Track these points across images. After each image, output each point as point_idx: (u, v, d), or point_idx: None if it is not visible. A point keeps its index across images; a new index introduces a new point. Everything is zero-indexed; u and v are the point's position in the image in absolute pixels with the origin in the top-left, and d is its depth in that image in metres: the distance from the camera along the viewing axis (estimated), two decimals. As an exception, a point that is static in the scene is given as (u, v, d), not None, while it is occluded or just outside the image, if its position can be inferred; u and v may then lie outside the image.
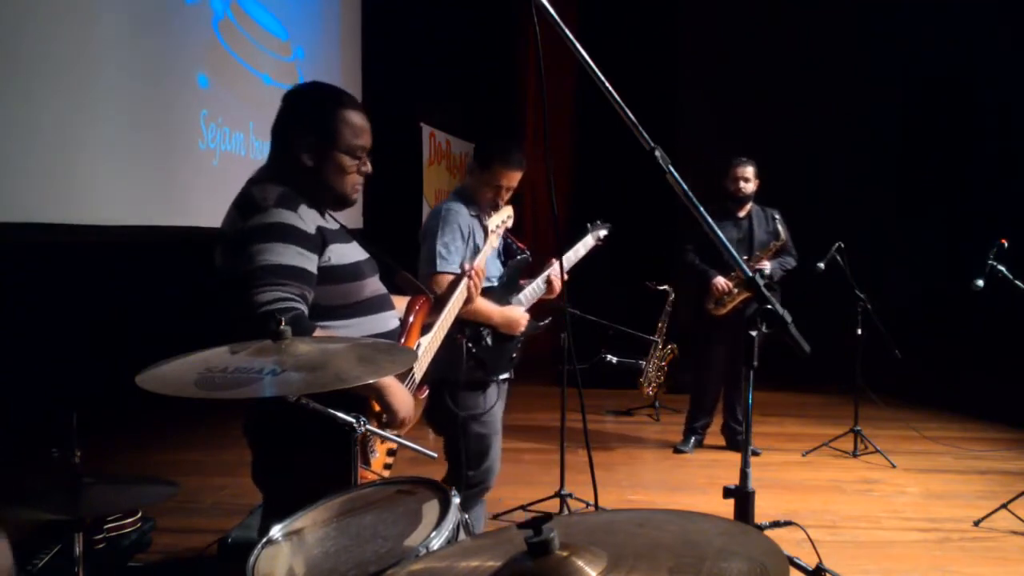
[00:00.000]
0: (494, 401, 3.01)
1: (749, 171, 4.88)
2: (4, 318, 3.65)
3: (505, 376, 3.07)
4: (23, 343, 3.82)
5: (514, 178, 2.98)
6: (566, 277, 3.11)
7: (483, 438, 2.96)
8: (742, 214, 4.94)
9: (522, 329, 3.00)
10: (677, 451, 5.15)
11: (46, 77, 3.66)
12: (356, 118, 2.03)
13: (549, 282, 3.11)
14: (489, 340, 2.92)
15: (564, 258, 3.17)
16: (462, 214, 2.94)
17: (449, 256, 2.85)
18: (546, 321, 3.25)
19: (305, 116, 2.02)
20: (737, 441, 5.06)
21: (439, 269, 2.81)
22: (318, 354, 1.59)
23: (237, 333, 1.67)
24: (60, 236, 3.85)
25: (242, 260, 1.85)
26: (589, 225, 3.43)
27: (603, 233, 3.46)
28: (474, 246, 2.96)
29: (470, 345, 2.86)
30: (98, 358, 4.16)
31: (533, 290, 3.08)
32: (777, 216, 4.90)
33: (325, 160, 2.00)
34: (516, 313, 2.97)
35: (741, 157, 4.92)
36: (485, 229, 3.01)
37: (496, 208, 2.96)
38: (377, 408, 2.00)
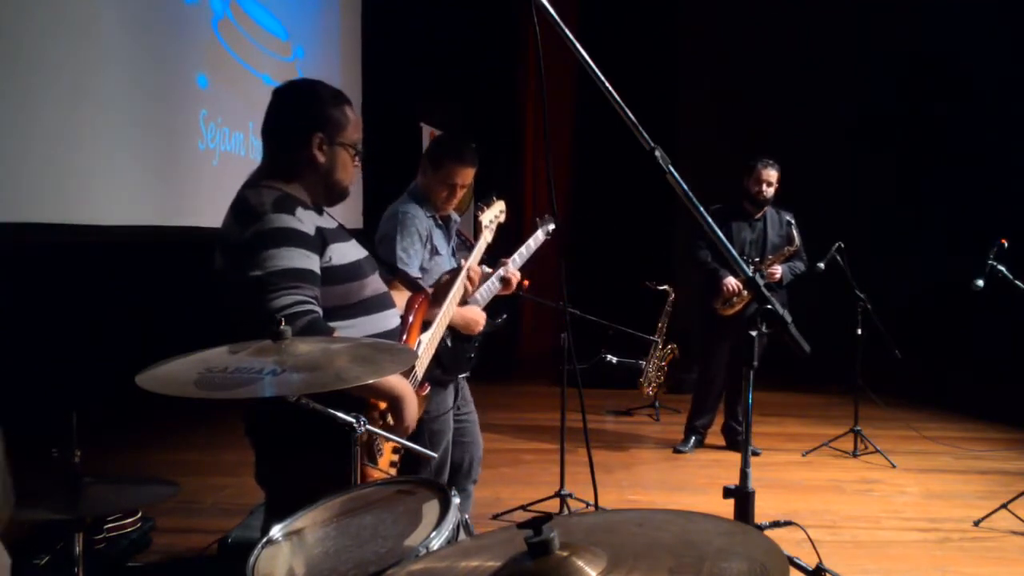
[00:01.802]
0: (451, 402, 2.99)
1: (773, 175, 4.83)
2: (4, 318, 3.65)
3: (463, 376, 3.06)
4: (23, 343, 3.82)
5: (467, 175, 2.98)
6: (518, 275, 3.10)
7: (436, 435, 2.94)
8: (757, 216, 4.93)
9: (480, 328, 2.95)
10: (677, 451, 5.15)
11: (46, 77, 3.66)
12: (352, 113, 2.07)
13: (504, 280, 3.07)
14: (449, 341, 2.87)
15: (516, 255, 3.14)
16: (419, 216, 2.94)
17: (409, 260, 2.85)
18: (503, 318, 3.20)
19: (310, 113, 2.02)
20: (737, 441, 5.05)
21: None
22: (318, 354, 1.59)
23: (246, 337, 1.67)
24: (60, 236, 3.85)
25: (250, 267, 1.84)
26: (538, 220, 3.39)
27: (551, 227, 3.38)
28: (432, 247, 2.95)
29: None
30: (98, 358, 4.16)
31: (488, 289, 3.04)
32: (792, 220, 4.88)
33: (335, 156, 2.02)
34: (474, 313, 2.91)
35: (768, 159, 4.84)
36: (441, 228, 3.01)
37: (455, 207, 2.96)
38: (383, 406, 2.01)
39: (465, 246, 3.12)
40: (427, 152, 3.06)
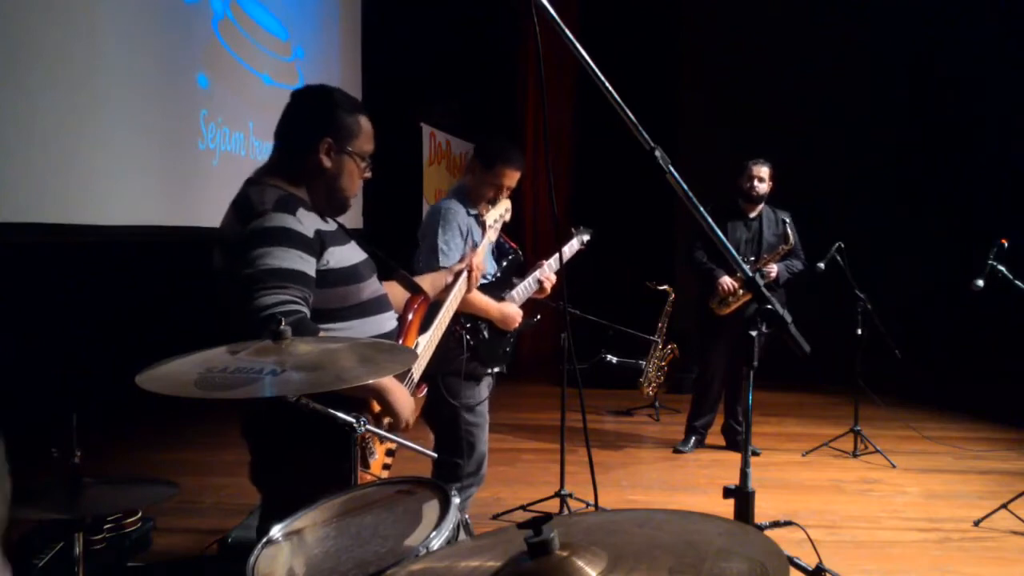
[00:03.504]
0: (486, 393, 3.12)
1: (765, 171, 4.85)
2: (4, 318, 3.65)
3: (497, 370, 3.16)
4: (23, 343, 3.82)
5: (515, 177, 3.10)
6: (553, 278, 3.24)
7: (475, 428, 3.06)
8: (753, 215, 4.92)
9: (517, 325, 3.09)
10: (677, 451, 5.14)
11: (46, 77, 3.66)
12: (368, 125, 2.08)
13: (540, 282, 3.21)
14: (486, 334, 3.02)
15: (552, 259, 3.28)
16: (460, 213, 3.04)
17: (450, 253, 2.94)
18: (537, 318, 3.35)
19: (323, 117, 2.02)
20: (737, 441, 5.05)
21: (441, 265, 2.88)
22: (318, 354, 1.59)
23: (238, 335, 1.67)
24: (60, 236, 3.85)
25: (243, 264, 1.85)
26: (574, 229, 3.58)
27: (587, 238, 3.61)
28: (473, 244, 3.03)
29: (468, 338, 2.92)
30: (98, 358, 4.16)
31: (525, 288, 3.19)
32: (787, 219, 4.88)
33: (342, 163, 2.03)
34: (512, 309, 3.07)
35: (759, 157, 4.87)
36: (483, 227, 3.07)
37: (494, 205, 3.03)
38: (377, 409, 2.00)
39: (504, 246, 3.20)
40: (477, 153, 3.16)
